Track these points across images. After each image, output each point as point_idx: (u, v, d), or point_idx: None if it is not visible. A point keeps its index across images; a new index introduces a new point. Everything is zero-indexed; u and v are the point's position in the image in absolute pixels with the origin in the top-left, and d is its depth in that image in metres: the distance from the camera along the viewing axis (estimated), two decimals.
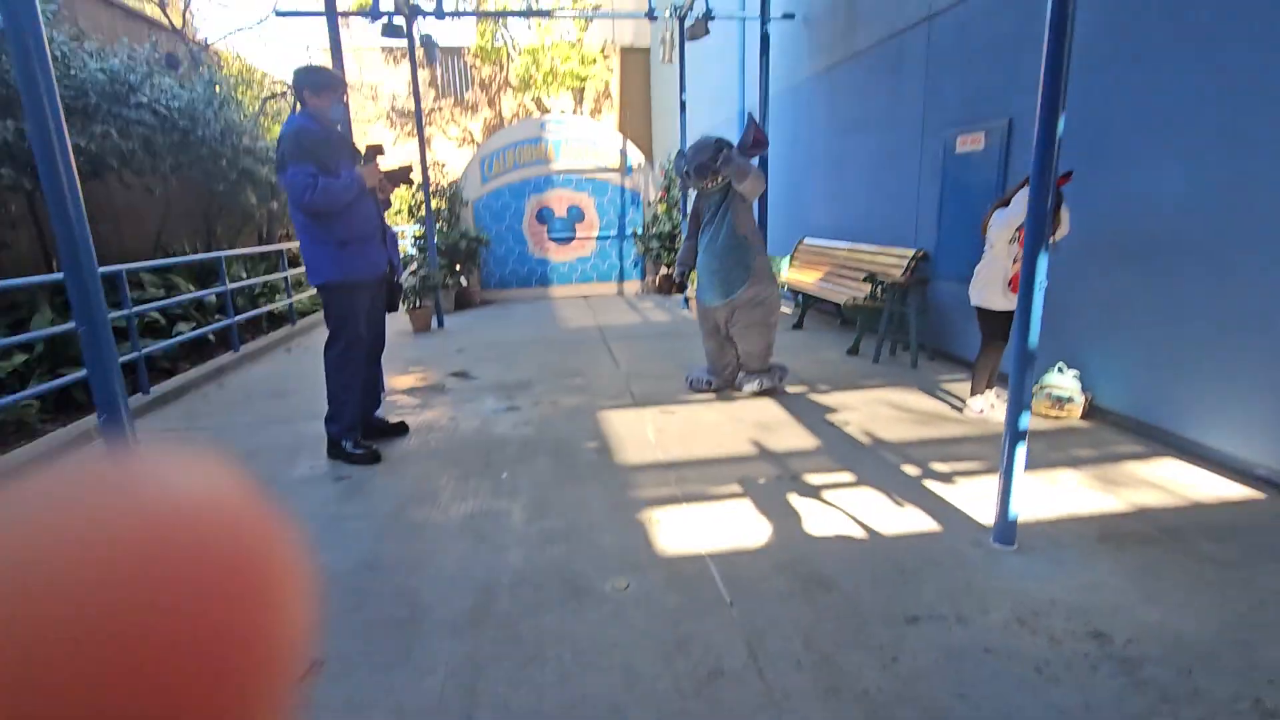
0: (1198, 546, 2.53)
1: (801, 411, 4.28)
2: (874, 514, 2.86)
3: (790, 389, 4.78)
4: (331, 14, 4.35)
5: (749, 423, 4.10)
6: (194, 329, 5.98)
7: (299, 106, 3.40)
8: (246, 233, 9.37)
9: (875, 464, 3.42)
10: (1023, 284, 2.40)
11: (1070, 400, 3.89)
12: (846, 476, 3.27)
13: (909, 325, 5.17)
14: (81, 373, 4.38)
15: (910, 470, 3.33)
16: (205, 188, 7.50)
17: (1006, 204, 3.76)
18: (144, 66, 6.03)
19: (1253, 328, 3.05)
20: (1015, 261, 3.66)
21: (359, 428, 3.72)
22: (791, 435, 3.87)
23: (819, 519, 2.84)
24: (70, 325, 4.43)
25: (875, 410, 4.26)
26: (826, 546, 2.61)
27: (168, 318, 6.05)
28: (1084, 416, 3.93)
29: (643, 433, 3.98)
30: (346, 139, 3.47)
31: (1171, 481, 3.11)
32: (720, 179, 4.34)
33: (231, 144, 7.28)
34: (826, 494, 3.07)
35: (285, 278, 7.68)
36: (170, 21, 8.95)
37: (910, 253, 5.67)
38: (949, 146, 5.15)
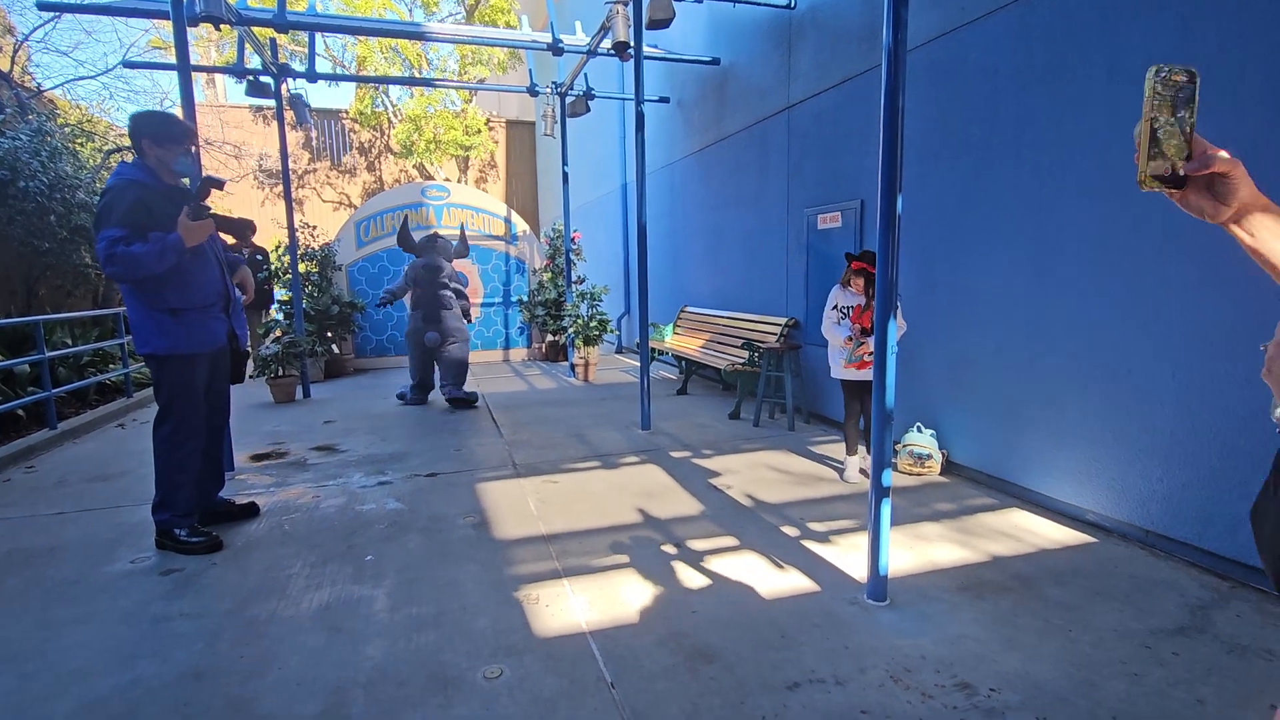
0: (1045, 591, 2.71)
1: (685, 476, 4.29)
2: (756, 577, 2.86)
3: (675, 454, 4.80)
4: (184, 68, 4.10)
5: (633, 490, 4.04)
6: None
7: (131, 157, 3.08)
8: (79, 295, 8.37)
9: (757, 527, 3.45)
10: (876, 350, 2.56)
11: (929, 457, 4.16)
12: (729, 541, 3.27)
13: (785, 389, 5.39)
14: None
15: (789, 531, 3.39)
16: (27, 245, 6.66)
17: (845, 284, 4.08)
18: None
19: (1072, 389, 3.43)
20: (848, 339, 3.98)
21: (195, 513, 3.29)
22: (675, 501, 3.85)
23: (702, 586, 2.79)
24: None
25: (756, 473, 4.35)
26: (710, 615, 2.56)
27: None
28: (943, 472, 4.22)
29: (524, 504, 3.81)
30: (185, 193, 3.14)
31: (1020, 530, 3.36)
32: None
33: (62, 198, 6.56)
34: (710, 560, 3.04)
35: (122, 344, 6.87)
36: None
37: (783, 320, 5.99)
38: (811, 223, 5.58)
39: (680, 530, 3.41)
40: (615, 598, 2.70)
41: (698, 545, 3.22)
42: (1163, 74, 0.82)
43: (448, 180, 15.00)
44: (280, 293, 8.70)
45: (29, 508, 3.87)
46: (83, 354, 6.70)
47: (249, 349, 3.68)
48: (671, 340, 7.97)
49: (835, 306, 4.08)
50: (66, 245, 6.89)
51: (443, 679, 2.17)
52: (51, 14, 7.29)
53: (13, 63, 8.24)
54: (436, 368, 6.82)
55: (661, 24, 4.96)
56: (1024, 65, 3.57)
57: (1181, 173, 0.84)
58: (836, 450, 4.78)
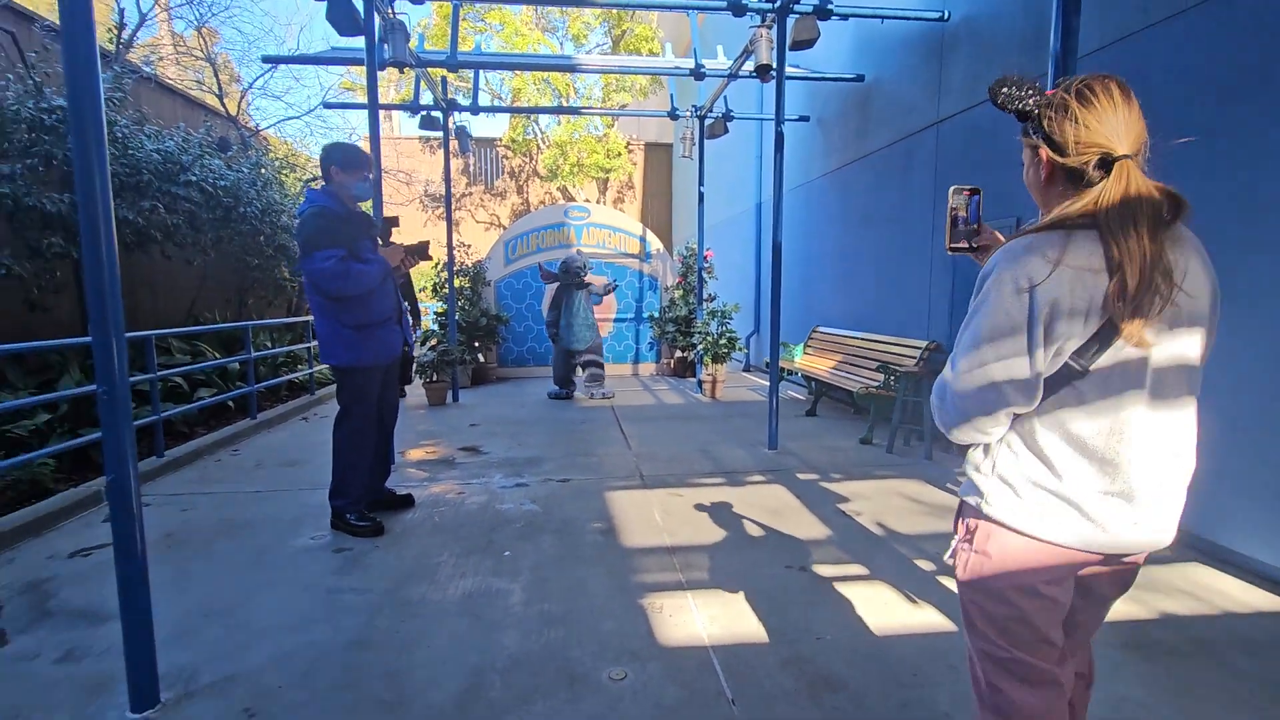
0: (1232, 660, 2.38)
1: (812, 499, 4.20)
2: (886, 610, 2.75)
3: (802, 475, 4.71)
4: (373, 107, 4.68)
5: (758, 508, 4.02)
6: (215, 395, 6.09)
7: (318, 183, 3.52)
8: (277, 304, 9.68)
9: (887, 557, 3.31)
10: None
11: None
12: (858, 569, 3.16)
13: (924, 415, 5.12)
14: (97, 434, 4.45)
15: (923, 565, 3.21)
16: (241, 261, 7.84)
17: None
18: (196, 149, 6.45)
19: (1274, 432, 2.99)
20: None
21: (364, 500, 3.70)
22: (801, 523, 3.78)
23: (829, 613, 2.73)
24: (94, 387, 4.55)
25: (888, 501, 4.16)
26: (836, 642, 2.50)
27: (191, 383, 6.19)
28: None
29: (650, 514, 3.91)
30: (366, 216, 3.56)
31: (1200, 588, 2.96)
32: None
33: (270, 222, 7.66)
34: (837, 587, 2.96)
35: (309, 348, 7.87)
36: (226, 109, 9.64)
37: (923, 343, 5.69)
38: None
39: (806, 553, 3.34)
40: (738, 614, 2.71)
41: (824, 570, 3.15)
42: (960, 191, 1.43)
43: (588, 201, 15.73)
44: (435, 305, 9.55)
45: (234, 485, 4.54)
46: (278, 355, 7.75)
47: (415, 355, 4.10)
48: (801, 360, 7.81)
49: None
50: (270, 261, 8.03)
51: (570, 674, 2.30)
52: (270, 65, 8.56)
53: (239, 107, 9.79)
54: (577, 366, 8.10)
55: (806, 45, 4.96)
56: (1222, 71, 3.19)
57: (975, 245, 1.44)
58: None
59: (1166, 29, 3.48)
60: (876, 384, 5.72)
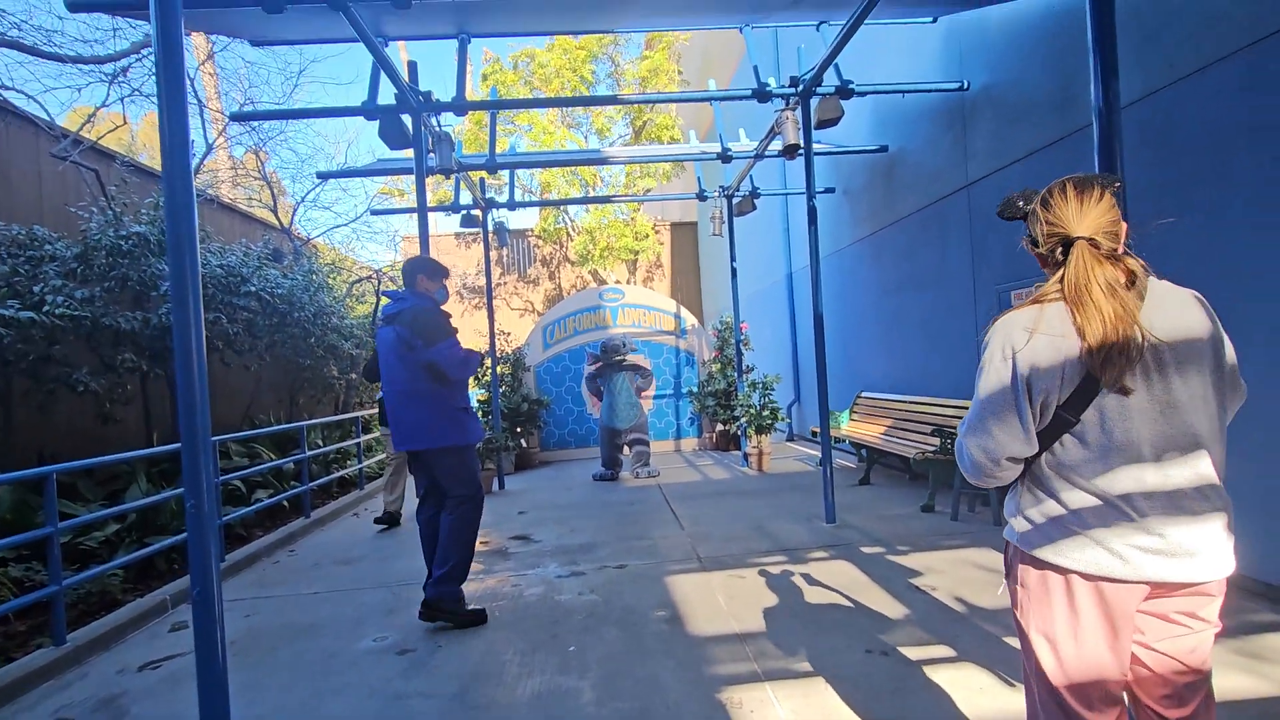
0: None
1: (882, 575, 4.02)
2: (981, 695, 2.57)
3: (866, 549, 4.54)
4: (423, 211, 4.95)
5: (826, 587, 3.86)
6: (272, 495, 6.20)
7: (388, 287, 3.80)
8: (326, 401, 9.97)
9: (973, 636, 3.12)
10: None
11: None
12: (944, 650, 2.99)
13: None
14: (167, 541, 4.54)
15: (1014, 643, 3.02)
16: (293, 362, 8.15)
17: None
18: (255, 261, 6.86)
19: None
20: None
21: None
22: (875, 601, 3.61)
23: (921, 700, 2.56)
24: (161, 495, 4.68)
25: (963, 573, 3.97)
26: None
27: (248, 484, 6.32)
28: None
29: (714, 599, 3.78)
30: (446, 314, 3.89)
31: None
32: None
33: (321, 324, 8.01)
34: (925, 670, 2.79)
35: (358, 444, 8.02)
36: (280, 221, 10.29)
37: None
38: (1005, 301, 5.24)
39: (885, 634, 3.18)
40: (824, 707, 2.56)
41: (909, 652, 2.98)
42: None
43: (618, 282, 16.11)
44: (477, 392, 9.74)
45: (293, 587, 4.55)
46: (329, 452, 7.91)
47: None
48: (848, 427, 7.67)
49: None
50: (321, 361, 8.33)
51: None
52: (322, 180, 9.19)
53: (293, 219, 10.45)
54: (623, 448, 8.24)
55: (830, 123, 5.15)
56: (1259, 118, 3.21)
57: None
58: None
59: (1195, 81, 3.54)
60: (933, 448, 5.57)
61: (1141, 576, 1.29)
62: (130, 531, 4.83)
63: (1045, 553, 1.38)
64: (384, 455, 6.73)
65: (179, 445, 4.61)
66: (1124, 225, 1.41)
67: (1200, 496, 1.30)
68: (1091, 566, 1.32)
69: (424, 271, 3.79)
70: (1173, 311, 1.34)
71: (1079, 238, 1.35)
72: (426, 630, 3.60)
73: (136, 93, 7.46)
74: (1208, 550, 1.29)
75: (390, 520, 6.07)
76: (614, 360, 8.10)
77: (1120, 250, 1.39)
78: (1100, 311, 1.28)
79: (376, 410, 6.59)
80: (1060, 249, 1.39)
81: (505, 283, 17.84)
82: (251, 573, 4.97)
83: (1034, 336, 1.34)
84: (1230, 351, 1.38)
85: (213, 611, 2.07)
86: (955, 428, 5.53)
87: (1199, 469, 1.31)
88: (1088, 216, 1.37)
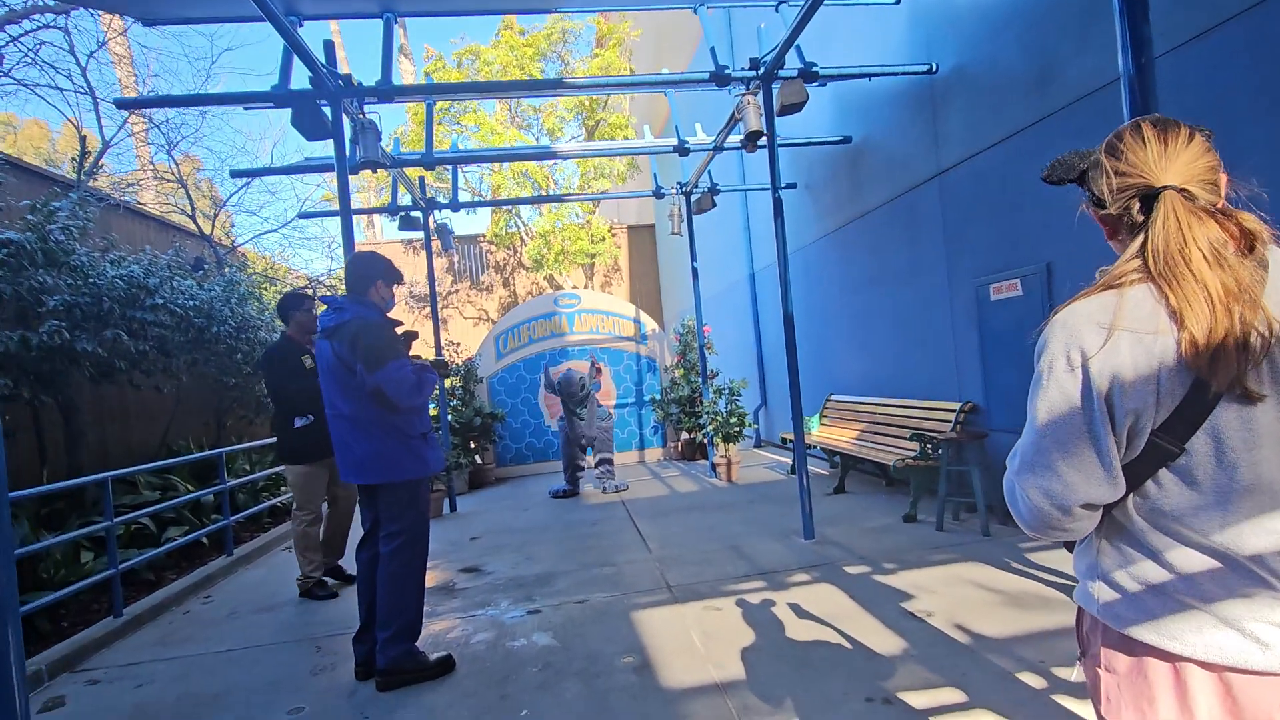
0: None
1: (871, 599, 3.63)
2: None
3: (850, 569, 4.15)
4: (345, 211, 4.40)
5: (812, 617, 3.44)
6: (186, 533, 5.50)
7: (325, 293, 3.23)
8: (259, 423, 9.18)
9: (983, 673, 2.74)
10: None
11: None
12: (954, 695, 2.59)
13: (974, 486, 4.62)
14: (47, 598, 3.85)
15: (1030, 681, 2.65)
16: (218, 381, 7.40)
17: None
18: (164, 270, 6.15)
19: None
20: None
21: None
22: (866, 633, 3.20)
23: None
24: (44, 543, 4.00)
25: (959, 592, 3.60)
26: None
27: (159, 521, 5.60)
28: None
29: (688, 639, 3.33)
30: (396, 323, 3.32)
31: None
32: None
33: (247, 338, 7.29)
34: None
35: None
36: (199, 229, 9.47)
37: (956, 405, 5.26)
38: (984, 294, 4.94)
39: (884, 676, 2.77)
40: None
41: (913, 699, 2.57)
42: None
43: (575, 287, 15.61)
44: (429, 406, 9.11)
45: (201, 644, 3.91)
46: (261, 479, 7.18)
47: None
48: (819, 432, 7.34)
49: None
50: (250, 379, 7.59)
51: None
52: (244, 180, 8.48)
53: (213, 225, 9.63)
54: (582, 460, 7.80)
55: (794, 108, 4.78)
56: (1266, 82, 2.94)
57: None
58: (1052, 558, 3.92)
59: (1196, 46, 3.26)
60: (913, 454, 5.24)
61: None
62: None
63: (1143, 632, 1.00)
64: (292, 501, 4.61)
65: (66, 483, 3.91)
66: (1224, 176, 1.03)
67: None
68: (1215, 653, 0.94)
69: (382, 275, 3.22)
70: None
71: (1166, 187, 0.99)
72: (351, 696, 3.05)
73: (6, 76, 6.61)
74: None
75: (333, 577, 4.76)
76: (576, 399, 7.64)
77: (1222, 205, 1.00)
78: (1206, 287, 0.92)
79: (297, 434, 4.54)
80: (1139, 205, 1.02)
81: (458, 290, 17.15)
82: (155, 628, 4.30)
83: (1113, 335, 0.97)
84: None
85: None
86: (935, 431, 5.21)
87: None
88: (1177, 160, 1.00)
